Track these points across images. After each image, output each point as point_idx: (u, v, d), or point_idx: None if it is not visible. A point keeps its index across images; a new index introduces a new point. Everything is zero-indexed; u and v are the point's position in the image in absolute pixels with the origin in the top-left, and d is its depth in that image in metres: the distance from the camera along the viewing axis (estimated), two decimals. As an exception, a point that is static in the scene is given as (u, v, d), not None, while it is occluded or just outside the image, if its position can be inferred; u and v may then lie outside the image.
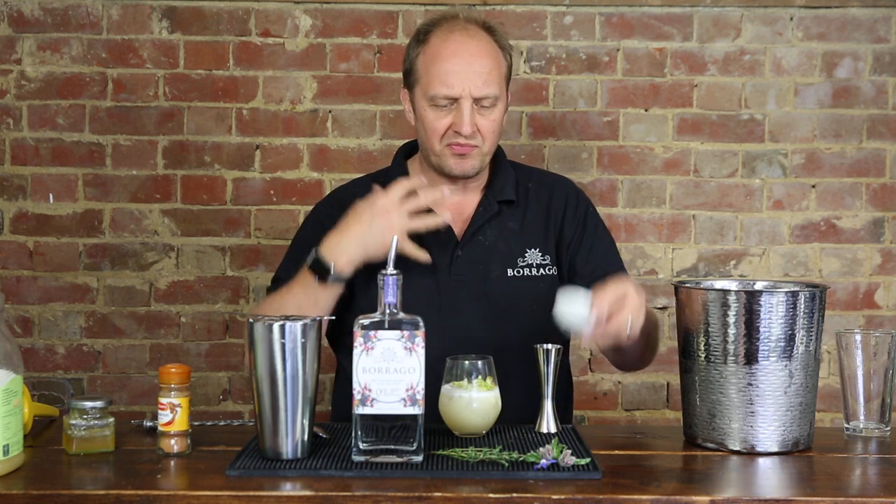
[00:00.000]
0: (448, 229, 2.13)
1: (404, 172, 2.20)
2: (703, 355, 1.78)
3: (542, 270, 2.15)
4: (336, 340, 2.21)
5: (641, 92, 3.15)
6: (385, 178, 2.21)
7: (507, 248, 2.14)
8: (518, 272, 2.13)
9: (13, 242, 3.12)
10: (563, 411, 2.12)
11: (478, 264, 2.12)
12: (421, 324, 1.62)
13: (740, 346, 1.74)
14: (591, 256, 2.17)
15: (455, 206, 2.17)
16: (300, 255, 2.19)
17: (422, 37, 2.11)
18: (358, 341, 1.61)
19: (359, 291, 2.12)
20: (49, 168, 3.12)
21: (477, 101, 2.05)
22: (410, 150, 2.25)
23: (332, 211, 2.20)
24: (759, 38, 3.14)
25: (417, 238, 2.12)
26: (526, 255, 2.15)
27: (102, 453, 1.70)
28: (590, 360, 3.14)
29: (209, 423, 1.91)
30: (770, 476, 1.67)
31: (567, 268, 2.17)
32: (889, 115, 3.15)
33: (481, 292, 2.11)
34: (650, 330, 2.09)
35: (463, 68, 2.04)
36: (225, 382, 3.15)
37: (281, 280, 2.15)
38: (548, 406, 1.83)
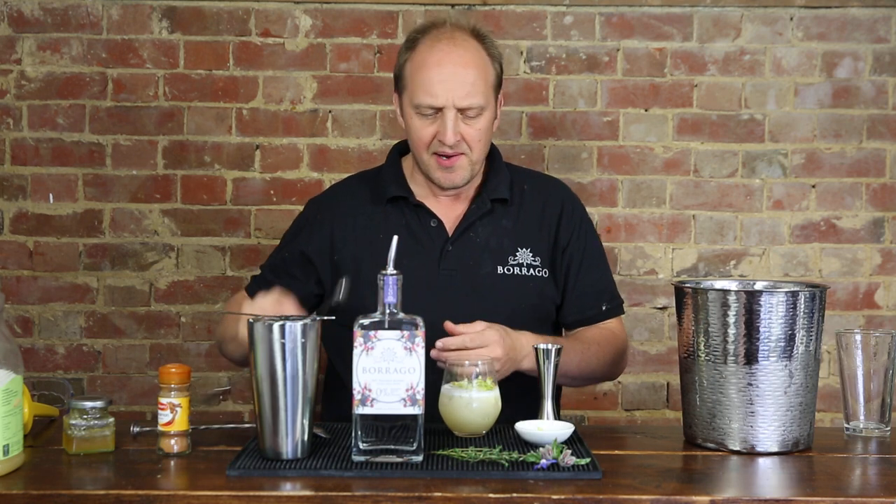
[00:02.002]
0: (439, 225, 2.14)
1: (398, 170, 2.21)
2: (703, 355, 1.78)
3: (532, 271, 2.15)
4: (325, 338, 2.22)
5: (641, 92, 3.15)
6: (379, 175, 2.23)
7: (498, 246, 2.15)
8: (508, 270, 2.14)
9: (13, 242, 3.12)
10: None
11: (468, 260, 2.13)
12: (421, 324, 1.62)
13: (740, 346, 1.74)
14: (582, 267, 2.20)
15: (448, 203, 2.18)
16: (284, 251, 2.23)
17: (410, 43, 2.11)
18: (358, 341, 1.61)
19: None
20: (49, 168, 3.12)
21: (461, 110, 2.05)
22: (405, 148, 2.26)
23: (322, 208, 2.22)
24: (759, 38, 3.14)
25: (409, 232, 2.13)
26: (517, 253, 2.15)
27: (102, 453, 1.70)
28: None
29: (215, 427, 1.89)
30: (770, 476, 1.67)
31: (563, 273, 2.19)
32: (889, 115, 3.15)
33: (470, 288, 2.12)
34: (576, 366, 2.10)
35: (447, 78, 2.04)
36: (225, 382, 3.15)
37: (263, 273, 2.23)
38: (548, 406, 1.83)
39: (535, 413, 1.85)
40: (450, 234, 2.15)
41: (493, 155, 2.23)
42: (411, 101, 2.08)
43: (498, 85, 2.13)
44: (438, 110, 2.05)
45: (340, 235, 2.17)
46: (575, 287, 2.19)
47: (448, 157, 2.07)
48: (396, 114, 2.18)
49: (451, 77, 2.04)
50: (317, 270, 2.18)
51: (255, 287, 2.22)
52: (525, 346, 1.97)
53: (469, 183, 2.15)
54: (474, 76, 2.06)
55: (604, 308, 2.21)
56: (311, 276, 2.18)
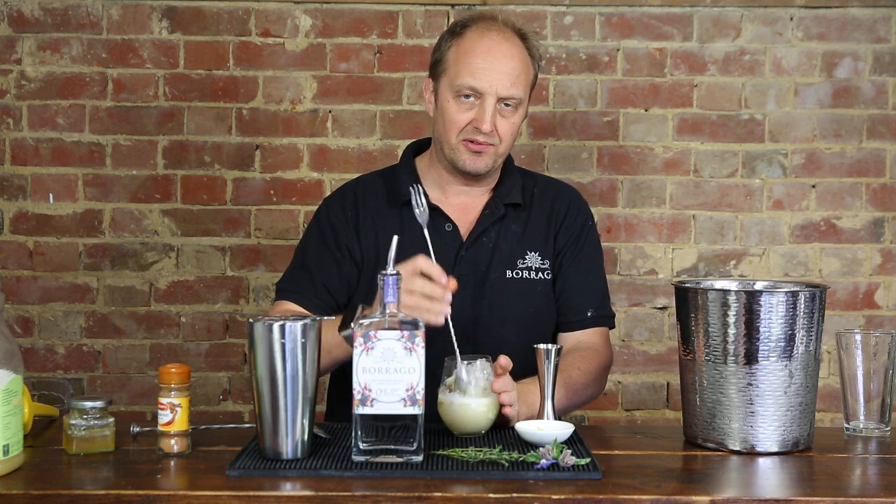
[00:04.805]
0: (454, 229, 2.14)
1: (412, 170, 2.20)
2: (703, 355, 1.78)
3: (540, 274, 2.15)
4: None
5: (641, 92, 3.15)
6: (392, 175, 2.21)
7: (508, 250, 2.14)
8: (517, 274, 2.13)
9: (13, 242, 3.12)
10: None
11: (479, 265, 2.13)
12: (421, 324, 1.62)
13: (740, 346, 1.74)
14: (571, 270, 2.18)
15: (461, 207, 2.17)
16: (309, 260, 2.16)
17: (458, 30, 2.12)
18: (358, 341, 1.61)
19: (361, 291, 2.12)
20: (49, 168, 3.12)
21: (501, 100, 2.06)
22: (419, 148, 2.25)
23: (337, 208, 2.19)
24: (759, 38, 3.14)
25: (422, 235, 2.12)
26: (526, 257, 2.15)
27: (102, 453, 1.70)
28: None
29: (215, 427, 1.89)
30: (770, 476, 1.67)
31: (555, 274, 2.18)
32: (889, 115, 3.15)
33: (480, 292, 2.11)
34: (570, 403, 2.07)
35: (493, 66, 2.05)
36: (225, 382, 3.15)
37: (290, 291, 2.14)
38: (548, 406, 1.83)
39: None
40: (464, 240, 2.14)
41: (506, 158, 2.22)
42: (452, 83, 2.07)
43: (534, 84, 2.15)
44: (479, 97, 2.06)
45: (364, 233, 2.16)
46: (562, 289, 2.17)
47: (478, 144, 2.08)
48: (425, 100, 2.17)
49: (498, 66, 2.06)
50: (345, 267, 2.15)
51: (295, 292, 2.15)
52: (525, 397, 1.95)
53: (487, 176, 2.15)
54: (519, 69, 2.08)
55: (588, 314, 2.17)
56: (343, 274, 2.15)
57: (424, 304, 1.78)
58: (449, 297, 1.81)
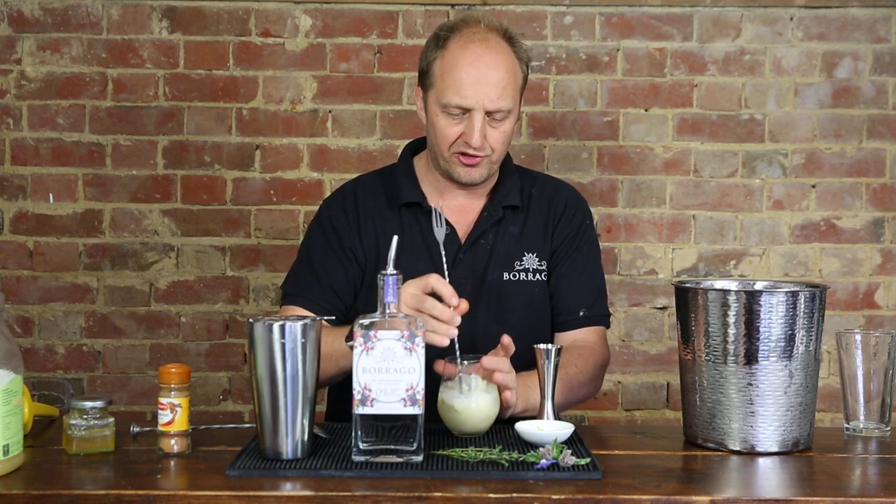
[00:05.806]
0: (452, 232, 2.13)
1: (410, 170, 2.19)
2: (703, 355, 1.78)
3: (537, 276, 2.15)
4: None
5: (641, 92, 3.15)
6: (391, 174, 2.21)
7: (506, 252, 2.14)
8: (514, 276, 2.13)
9: (13, 242, 3.12)
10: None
11: (477, 267, 2.13)
12: (421, 324, 1.62)
13: (740, 346, 1.74)
14: (565, 269, 2.17)
15: (460, 209, 2.17)
16: (315, 263, 2.15)
17: (441, 41, 2.08)
18: (358, 341, 1.61)
19: (364, 292, 2.12)
20: (49, 168, 3.12)
21: (489, 113, 2.04)
22: (417, 147, 2.25)
23: (338, 209, 2.19)
24: (759, 38, 3.14)
25: (422, 239, 2.12)
26: (524, 259, 2.15)
27: (102, 453, 1.70)
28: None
29: (215, 427, 1.89)
30: (770, 476, 1.68)
31: (549, 273, 2.17)
32: (889, 115, 3.15)
33: (478, 294, 2.11)
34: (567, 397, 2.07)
35: (478, 81, 2.02)
36: (225, 382, 3.15)
37: (297, 295, 2.13)
38: (548, 406, 1.83)
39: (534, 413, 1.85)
40: (462, 243, 2.14)
41: (504, 158, 2.22)
42: (439, 99, 2.05)
43: (524, 87, 2.12)
44: (466, 111, 2.04)
45: (365, 234, 2.15)
46: (555, 288, 2.17)
47: (470, 157, 2.06)
48: (417, 107, 2.16)
49: (483, 79, 2.02)
50: (351, 269, 2.15)
51: (302, 297, 2.14)
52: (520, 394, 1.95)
53: (485, 182, 2.14)
54: (505, 80, 2.04)
55: (580, 314, 2.16)
56: (349, 276, 2.15)
57: (431, 324, 1.77)
58: (457, 321, 1.79)
